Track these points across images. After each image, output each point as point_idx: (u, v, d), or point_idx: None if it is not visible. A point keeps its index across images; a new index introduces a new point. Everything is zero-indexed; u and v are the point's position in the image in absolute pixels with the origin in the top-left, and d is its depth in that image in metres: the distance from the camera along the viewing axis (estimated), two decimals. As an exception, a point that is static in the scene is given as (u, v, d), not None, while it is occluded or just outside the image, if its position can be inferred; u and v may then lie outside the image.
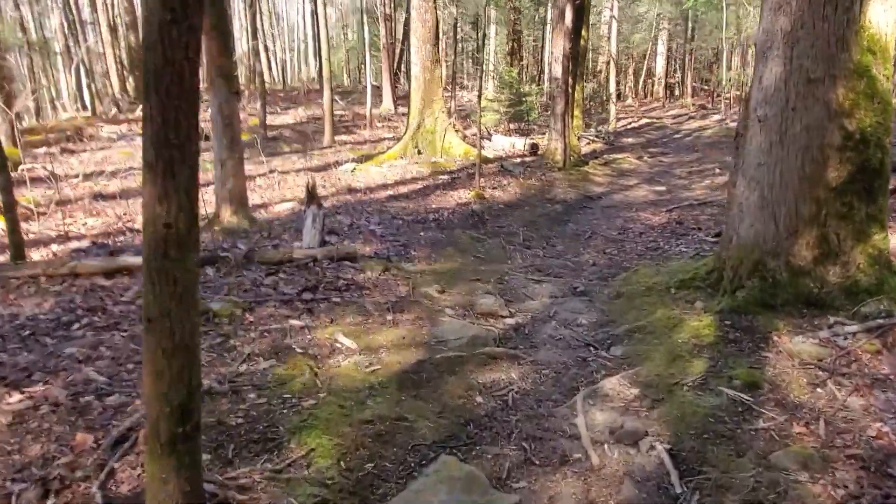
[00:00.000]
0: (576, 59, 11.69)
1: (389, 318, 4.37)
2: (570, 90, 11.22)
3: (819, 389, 3.31)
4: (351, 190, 9.11)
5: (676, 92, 33.42)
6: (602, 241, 7.28)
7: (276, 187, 9.09)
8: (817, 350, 3.61)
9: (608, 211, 8.96)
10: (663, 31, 28.50)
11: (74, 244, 5.89)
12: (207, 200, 7.46)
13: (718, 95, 33.30)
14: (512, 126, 15.75)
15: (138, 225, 6.83)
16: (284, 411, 3.00)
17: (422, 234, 6.81)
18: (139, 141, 9.51)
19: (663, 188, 10.66)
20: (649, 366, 3.76)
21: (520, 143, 13.38)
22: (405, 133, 12.43)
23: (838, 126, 3.82)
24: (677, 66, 34.55)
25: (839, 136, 3.83)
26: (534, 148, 13.02)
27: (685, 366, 3.66)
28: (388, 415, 3.08)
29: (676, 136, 18.47)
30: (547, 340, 4.34)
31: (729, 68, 26.13)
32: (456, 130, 13.32)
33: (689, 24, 28.81)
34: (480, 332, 4.30)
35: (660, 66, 31.46)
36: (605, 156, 13.66)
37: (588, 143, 14.79)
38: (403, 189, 9.33)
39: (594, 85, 22.25)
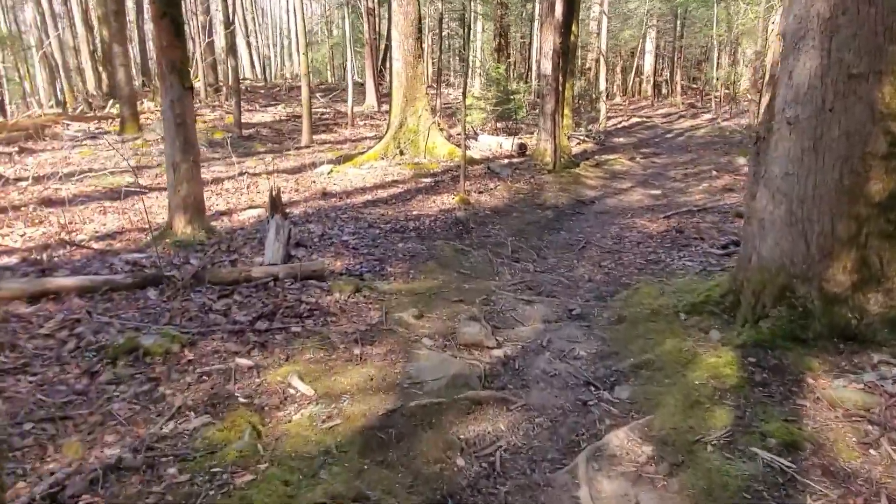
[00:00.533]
0: (566, 54, 11.09)
1: (357, 352, 3.74)
2: (560, 88, 10.62)
3: (872, 451, 2.73)
4: (325, 194, 8.44)
5: (664, 90, 33.07)
6: (597, 251, 6.69)
7: (244, 191, 8.41)
8: (863, 398, 3.03)
9: (602, 217, 8.37)
10: (652, 28, 28.03)
11: (3, 260, 5.19)
12: (164, 207, 6.77)
13: (707, 94, 33.02)
14: (499, 125, 15.15)
15: (84, 235, 6.14)
16: (211, 493, 2.36)
17: (400, 245, 6.17)
18: (105, 140, 8.68)
19: (659, 192, 10.10)
20: (662, 414, 3.16)
21: (507, 144, 12.77)
22: (386, 132, 11.77)
23: (884, 130, 3.24)
24: (665, 64, 34.17)
25: (885, 142, 3.24)
26: (522, 148, 12.42)
27: (706, 416, 3.07)
28: (345, 493, 2.45)
29: (668, 135, 17.97)
30: (540, 377, 3.73)
31: (719, 66, 25.72)
32: (441, 129, 12.69)
33: (679, 22, 28.38)
34: (463, 368, 3.68)
35: (648, 63, 31.02)
36: (596, 156, 13.09)
37: (578, 143, 14.22)
38: (383, 193, 8.68)
39: (583, 83, 21.71)
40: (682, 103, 27.42)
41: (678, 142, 16.69)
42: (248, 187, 8.58)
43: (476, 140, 13.34)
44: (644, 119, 22.15)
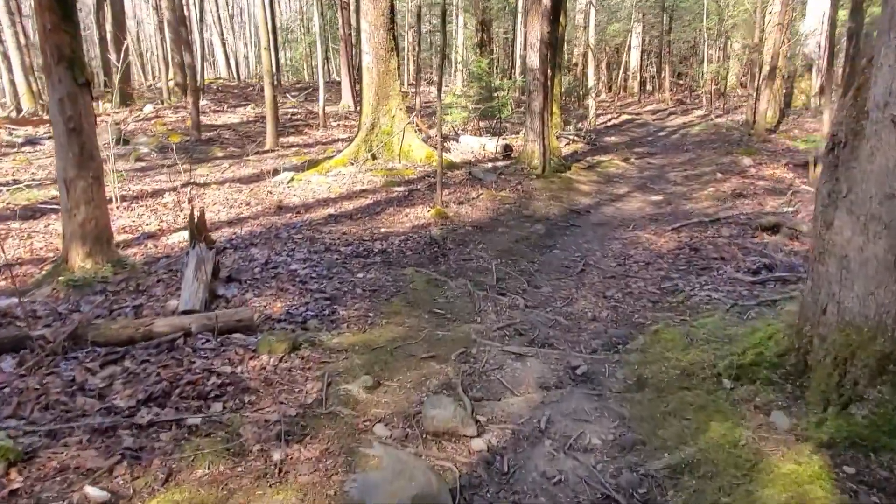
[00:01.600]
0: (555, 46, 10.01)
1: (277, 457, 2.60)
2: (549, 83, 9.53)
3: None
4: (282, 208, 7.28)
5: (650, 87, 32.19)
6: (599, 276, 5.60)
7: (185, 206, 7.22)
8: None
9: (601, 230, 7.29)
10: (638, 22, 27.02)
11: None
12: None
13: (695, 90, 32.19)
14: (482, 124, 14.05)
15: (-35, 270, 4.93)
16: None
17: (360, 275, 5.04)
18: (49, 146, 7.49)
19: (660, 198, 9.05)
20: (730, 572, 2.07)
21: (491, 145, 11.67)
22: (357, 134, 10.62)
23: None
24: (651, 60, 33.28)
25: None
26: (507, 150, 11.33)
27: (800, 579, 1.98)
28: None
29: (661, 133, 16.97)
30: (539, 487, 2.63)
31: (710, 61, 24.83)
32: (418, 131, 11.57)
33: (667, 15, 27.44)
34: (428, 481, 2.55)
35: (634, 59, 30.05)
36: (588, 158, 12.02)
37: (568, 144, 13.15)
38: (348, 205, 7.54)
39: (570, 79, 20.68)
40: (671, 99, 26.52)
41: (673, 140, 15.69)
42: (189, 201, 7.39)
43: (457, 141, 12.22)
44: (634, 116, 21.18)
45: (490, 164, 10.38)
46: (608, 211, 8.31)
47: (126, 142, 11.53)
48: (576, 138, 13.81)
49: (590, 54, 16.90)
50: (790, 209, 7.19)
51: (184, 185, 8.02)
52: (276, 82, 29.44)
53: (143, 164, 10.22)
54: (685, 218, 7.55)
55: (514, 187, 8.74)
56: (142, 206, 7.18)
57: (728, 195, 8.56)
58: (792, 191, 8.14)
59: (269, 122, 12.19)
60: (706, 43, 23.84)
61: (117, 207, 6.88)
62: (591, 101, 16.34)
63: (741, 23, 21.86)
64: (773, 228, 6.21)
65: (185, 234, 6.01)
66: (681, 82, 31.77)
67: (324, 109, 15.17)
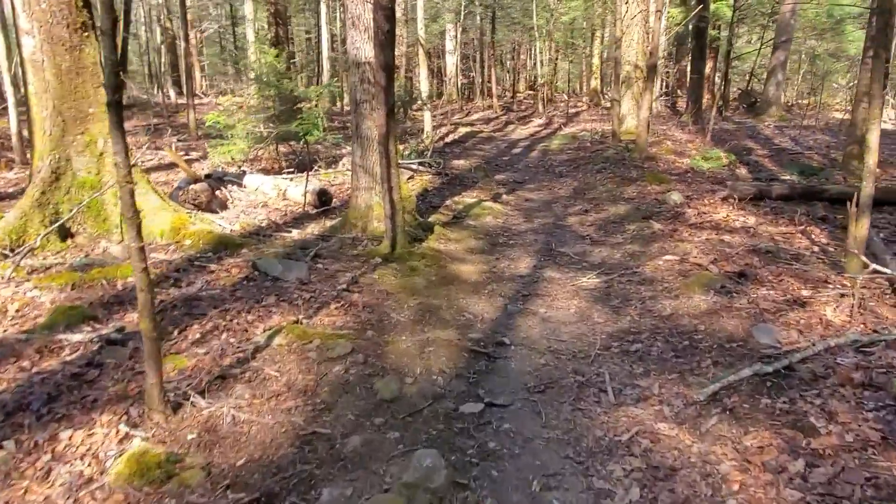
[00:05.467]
0: (392, 33, 5.78)
1: None
2: (391, 88, 5.29)
3: None
4: None
5: (468, 93, 29.69)
6: None
7: None
8: None
9: (556, 420, 3.22)
10: (452, 24, 23.96)
11: None
12: None
13: (514, 95, 30.14)
14: (282, 149, 9.46)
15: None
16: None
17: None
18: None
19: (596, 280, 5.27)
20: None
21: (296, 191, 7.17)
22: (28, 190, 5.49)
23: None
24: (470, 64, 30.79)
25: None
26: (323, 198, 6.93)
27: None
28: None
29: (515, 151, 13.63)
30: None
31: (542, 63, 22.50)
32: (147, 175, 6.70)
33: (489, 14, 24.74)
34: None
35: (450, 63, 27.08)
36: (447, 201, 8.01)
37: (412, 177, 9.05)
38: None
39: (398, 84, 16.68)
40: (498, 107, 23.87)
41: (534, 160, 12.38)
42: None
43: (240, 187, 7.51)
44: (471, 128, 17.81)
45: (296, 233, 5.90)
46: (534, 333, 4.29)
47: None
48: (420, 167, 9.77)
49: (421, 52, 13.02)
50: None
51: None
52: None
53: None
54: (691, 345, 3.82)
55: (343, 297, 4.36)
56: None
57: (716, 274, 5.00)
58: (843, 275, 4.79)
59: None
60: (537, 42, 21.35)
61: None
62: (426, 114, 12.46)
63: (578, 17, 19.61)
64: None
65: None
66: (496, 87, 29.61)
67: (20, 135, 9.42)
